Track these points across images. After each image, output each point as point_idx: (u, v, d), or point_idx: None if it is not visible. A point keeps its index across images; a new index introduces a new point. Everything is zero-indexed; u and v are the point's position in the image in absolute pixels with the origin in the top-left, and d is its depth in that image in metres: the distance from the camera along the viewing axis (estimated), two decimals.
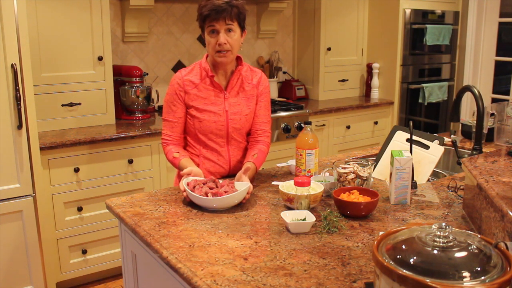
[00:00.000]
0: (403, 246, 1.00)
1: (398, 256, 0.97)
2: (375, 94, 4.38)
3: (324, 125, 3.91)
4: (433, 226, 1.01)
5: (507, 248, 0.98)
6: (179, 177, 2.16)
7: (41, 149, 2.68)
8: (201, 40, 3.92)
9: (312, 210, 1.64)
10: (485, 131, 2.49)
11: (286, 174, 2.14)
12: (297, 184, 1.63)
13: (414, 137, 2.07)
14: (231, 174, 2.12)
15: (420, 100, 4.41)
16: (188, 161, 2.00)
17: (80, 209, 2.93)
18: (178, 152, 2.03)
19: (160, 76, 3.77)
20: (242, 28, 1.99)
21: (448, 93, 4.61)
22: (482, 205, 1.45)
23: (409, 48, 4.27)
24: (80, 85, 3.11)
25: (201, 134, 2.04)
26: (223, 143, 2.06)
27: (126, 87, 3.33)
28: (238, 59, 2.08)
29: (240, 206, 1.75)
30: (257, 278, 1.23)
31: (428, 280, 0.88)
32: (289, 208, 1.70)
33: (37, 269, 2.69)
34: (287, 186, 1.75)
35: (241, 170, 1.90)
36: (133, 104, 3.35)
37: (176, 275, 1.33)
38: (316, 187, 1.72)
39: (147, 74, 3.48)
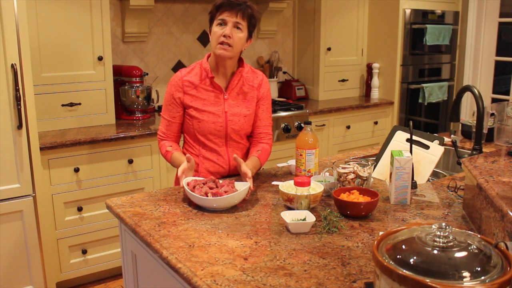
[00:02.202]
0: (403, 246, 1.00)
1: (398, 256, 0.97)
2: (375, 94, 4.38)
3: (324, 125, 3.91)
4: (433, 226, 1.01)
5: (507, 248, 0.98)
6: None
7: (41, 149, 2.68)
8: (201, 40, 3.93)
9: (312, 210, 1.64)
10: (485, 131, 2.49)
11: (286, 174, 2.14)
12: (297, 184, 1.63)
13: (414, 137, 2.07)
14: (231, 174, 2.12)
15: (420, 100, 4.41)
16: (180, 155, 2.03)
17: (80, 209, 2.93)
18: (171, 146, 2.07)
19: (160, 76, 3.77)
20: (250, 34, 2.00)
21: (448, 93, 4.61)
22: (482, 205, 1.45)
23: (409, 48, 4.27)
24: (80, 85, 3.11)
25: (200, 135, 2.04)
26: (221, 143, 2.06)
27: (126, 87, 3.33)
28: (240, 61, 2.08)
29: (240, 206, 1.75)
30: (257, 278, 1.23)
31: (428, 280, 0.88)
32: (289, 208, 1.70)
33: (37, 269, 2.69)
34: (287, 186, 1.75)
35: (242, 172, 1.88)
36: (133, 104, 3.35)
37: (176, 275, 1.33)
38: (316, 187, 1.72)
39: (147, 74, 3.48)
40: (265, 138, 2.13)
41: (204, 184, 1.79)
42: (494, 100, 4.44)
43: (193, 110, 2.02)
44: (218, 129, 2.03)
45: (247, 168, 1.86)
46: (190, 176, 1.89)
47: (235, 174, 2.13)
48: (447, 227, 0.99)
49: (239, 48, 1.97)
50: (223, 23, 1.92)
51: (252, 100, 2.09)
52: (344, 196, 1.67)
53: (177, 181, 2.17)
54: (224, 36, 1.91)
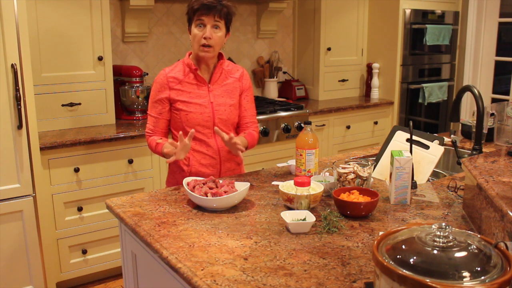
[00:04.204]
0: (403, 246, 1.00)
1: (398, 256, 0.97)
2: (375, 94, 4.38)
3: (324, 125, 3.91)
4: (433, 226, 1.01)
5: (507, 248, 0.98)
6: (171, 174, 2.18)
7: (41, 149, 2.68)
8: None
9: (312, 210, 1.64)
10: (485, 131, 2.49)
11: (286, 174, 2.14)
12: (297, 184, 1.63)
13: (414, 137, 2.07)
14: (224, 176, 2.14)
15: (420, 100, 4.41)
16: (173, 143, 2.05)
17: (80, 209, 2.93)
18: (161, 139, 2.12)
19: None
20: (228, 29, 2.07)
21: (448, 93, 4.61)
22: (482, 205, 1.45)
23: (409, 48, 4.27)
24: (80, 85, 3.11)
25: (188, 127, 2.08)
26: (210, 134, 2.11)
27: (126, 87, 3.33)
28: (219, 55, 2.15)
29: (240, 206, 1.75)
30: (257, 278, 1.23)
31: (428, 280, 0.88)
32: (289, 208, 1.70)
33: (37, 269, 2.69)
34: (287, 186, 1.75)
35: (227, 138, 1.97)
36: (133, 104, 3.35)
37: (176, 275, 1.33)
38: (316, 187, 1.72)
39: (147, 74, 3.48)
40: (252, 127, 2.21)
41: (204, 184, 1.79)
42: (494, 100, 4.44)
43: (180, 103, 2.07)
44: (206, 120, 2.08)
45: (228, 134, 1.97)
46: (181, 157, 1.94)
47: (227, 169, 2.15)
48: (447, 227, 0.99)
49: (219, 46, 2.05)
50: (202, 24, 1.99)
51: (235, 91, 2.16)
52: (344, 196, 1.67)
53: (169, 182, 2.19)
54: (205, 38, 1.99)
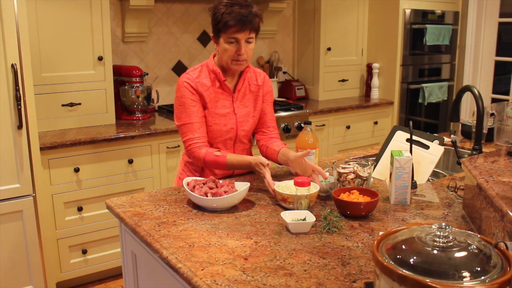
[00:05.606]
0: (403, 246, 1.00)
1: (398, 256, 0.97)
2: (375, 94, 4.38)
3: (324, 125, 3.91)
4: (433, 226, 1.01)
5: (507, 248, 0.98)
6: (181, 177, 2.15)
7: (41, 149, 2.68)
8: (201, 40, 3.92)
9: (310, 210, 1.64)
10: (485, 131, 2.49)
11: (286, 174, 2.14)
12: (297, 184, 1.63)
13: (414, 137, 2.07)
14: (235, 174, 2.13)
15: (420, 100, 4.41)
16: (235, 155, 1.96)
17: (80, 209, 2.93)
18: (219, 151, 1.97)
19: (160, 76, 3.76)
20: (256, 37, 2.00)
21: (448, 93, 4.61)
22: (482, 205, 1.45)
23: (409, 48, 4.27)
24: (80, 85, 3.11)
25: (210, 138, 2.02)
26: (230, 145, 2.07)
27: (126, 87, 3.33)
28: None
29: (240, 206, 1.75)
30: (257, 278, 1.23)
31: (428, 280, 0.88)
32: (285, 208, 1.70)
33: (37, 269, 2.69)
34: (282, 186, 1.76)
35: (297, 155, 1.89)
36: (133, 104, 3.35)
37: (176, 275, 1.33)
38: (312, 187, 1.72)
39: (147, 74, 3.48)
40: (273, 132, 2.15)
41: (204, 184, 1.79)
42: (494, 100, 4.44)
43: (207, 111, 2.00)
44: (228, 131, 2.03)
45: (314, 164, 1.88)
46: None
47: (238, 173, 2.14)
48: (447, 227, 0.99)
49: (251, 57, 1.97)
50: (236, 41, 1.89)
51: (259, 99, 2.10)
52: (344, 196, 1.67)
53: (178, 181, 2.17)
54: (239, 54, 1.90)
